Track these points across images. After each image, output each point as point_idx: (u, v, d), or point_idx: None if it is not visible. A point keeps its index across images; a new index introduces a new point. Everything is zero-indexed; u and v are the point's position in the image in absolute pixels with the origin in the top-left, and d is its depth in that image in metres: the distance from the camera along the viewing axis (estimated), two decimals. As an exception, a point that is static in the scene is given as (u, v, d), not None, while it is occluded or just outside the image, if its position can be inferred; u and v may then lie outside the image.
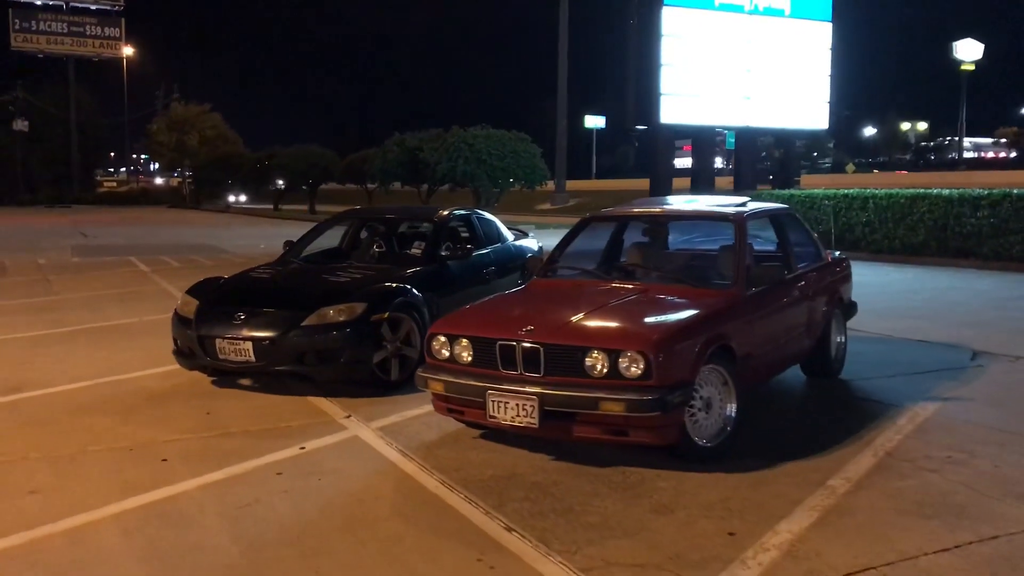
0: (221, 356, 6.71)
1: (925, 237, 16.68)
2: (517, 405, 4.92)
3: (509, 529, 4.21)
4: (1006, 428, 5.76)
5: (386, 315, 6.81)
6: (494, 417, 5.03)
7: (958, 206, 16.31)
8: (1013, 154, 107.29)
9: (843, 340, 7.38)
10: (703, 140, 21.22)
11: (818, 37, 21.47)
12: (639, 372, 4.72)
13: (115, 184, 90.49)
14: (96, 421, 6.18)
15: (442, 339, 5.34)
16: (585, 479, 4.87)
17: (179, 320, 7.07)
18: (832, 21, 21.59)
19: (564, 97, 47.33)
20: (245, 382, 7.18)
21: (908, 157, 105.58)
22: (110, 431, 5.93)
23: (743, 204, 6.74)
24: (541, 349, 4.92)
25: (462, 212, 8.93)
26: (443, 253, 7.99)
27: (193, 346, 6.85)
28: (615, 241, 7.12)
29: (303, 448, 5.52)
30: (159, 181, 76.64)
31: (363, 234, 9.08)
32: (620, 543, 4.04)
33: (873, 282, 13.72)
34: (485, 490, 4.72)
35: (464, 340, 5.24)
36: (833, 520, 4.27)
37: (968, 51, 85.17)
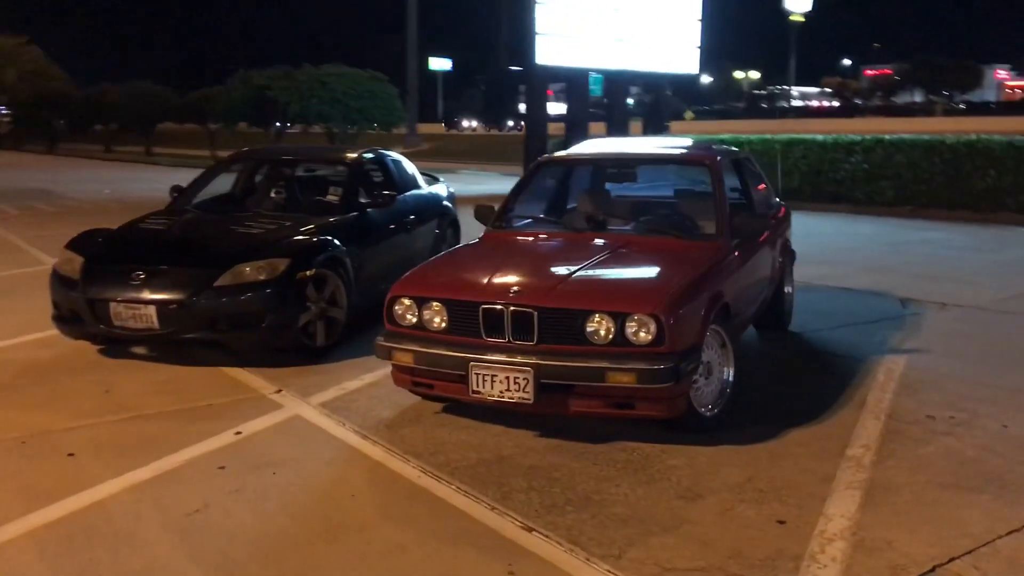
0: (117, 323, 5.70)
1: (800, 182, 16.81)
2: (508, 378, 4.24)
3: (528, 529, 3.57)
4: (985, 382, 5.51)
5: (312, 272, 5.96)
6: (478, 392, 4.33)
7: (832, 151, 16.52)
8: (836, 103, 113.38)
9: (791, 290, 7.05)
10: (577, 84, 20.68)
11: (688, -20, 21.18)
12: (650, 338, 4.14)
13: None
14: (-32, 406, 5.10)
15: (407, 302, 4.57)
16: (586, 460, 4.27)
17: (60, 280, 5.97)
18: (702, -36, 21.33)
19: (415, 35, 45.81)
20: (139, 350, 6.20)
21: (742, 105, 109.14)
22: (-10, 419, 4.89)
23: (708, 147, 6.23)
24: (535, 314, 4.25)
25: (374, 154, 8.02)
26: (363, 200, 7.12)
27: (81, 311, 5.79)
28: (563, 187, 6.48)
29: (239, 433, 4.67)
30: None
31: (258, 178, 8.08)
32: (663, 541, 3.46)
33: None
34: (478, 479, 4.05)
35: (436, 304, 4.50)
36: (879, 498, 3.84)
37: (797, 2, 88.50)
